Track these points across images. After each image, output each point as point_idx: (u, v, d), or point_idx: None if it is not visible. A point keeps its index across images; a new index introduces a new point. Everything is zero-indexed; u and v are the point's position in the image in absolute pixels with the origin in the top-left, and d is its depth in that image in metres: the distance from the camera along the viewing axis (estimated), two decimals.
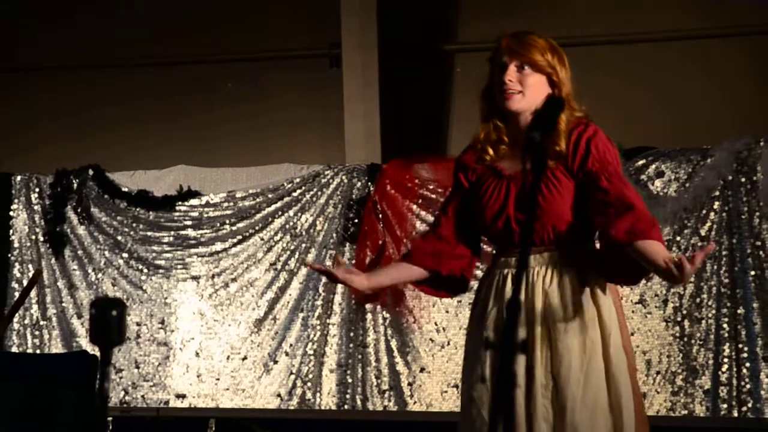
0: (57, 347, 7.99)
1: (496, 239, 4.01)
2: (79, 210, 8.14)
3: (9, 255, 8.19)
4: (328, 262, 7.71)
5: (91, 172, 8.16)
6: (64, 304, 8.10)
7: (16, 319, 7.98)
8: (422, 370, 7.49)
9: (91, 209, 8.14)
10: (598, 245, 3.95)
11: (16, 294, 7.98)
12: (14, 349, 7.98)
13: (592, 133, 3.85)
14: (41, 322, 8.10)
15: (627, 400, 3.81)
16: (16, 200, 8.23)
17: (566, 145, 3.81)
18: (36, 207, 8.22)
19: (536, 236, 3.84)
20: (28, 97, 9.24)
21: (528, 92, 3.87)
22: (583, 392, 3.77)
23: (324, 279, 7.69)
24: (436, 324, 7.51)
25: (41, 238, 8.17)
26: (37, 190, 8.21)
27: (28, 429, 5.51)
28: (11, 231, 8.21)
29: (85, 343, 7.84)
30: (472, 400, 3.85)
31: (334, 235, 7.76)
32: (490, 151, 4.02)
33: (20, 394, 5.66)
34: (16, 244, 8.20)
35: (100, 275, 8.08)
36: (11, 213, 8.22)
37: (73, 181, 8.16)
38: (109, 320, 2.92)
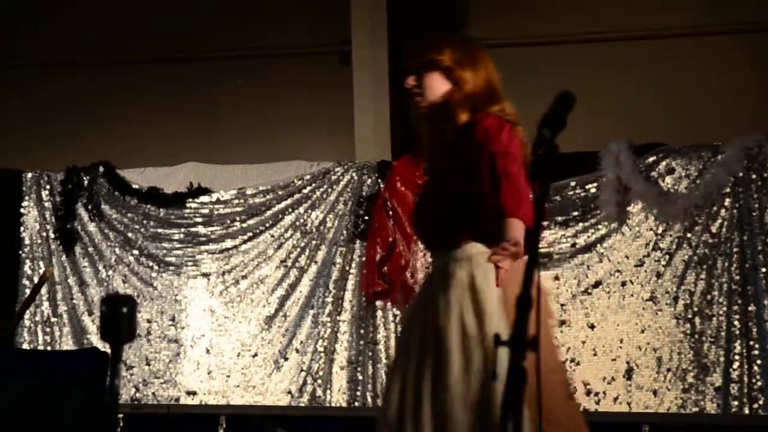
0: (68, 344, 8.01)
1: None
2: (89, 207, 8.15)
3: (20, 252, 8.20)
4: (339, 260, 7.71)
5: (101, 169, 8.17)
6: (74, 301, 8.11)
7: (27, 316, 7.99)
8: None
9: (102, 206, 8.15)
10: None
11: (27, 291, 7.99)
12: (25, 346, 8.00)
13: (483, 123, 3.89)
14: (52, 319, 8.12)
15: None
16: (26, 197, 8.24)
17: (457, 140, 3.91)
18: (47, 204, 8.22)
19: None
20: (38, 94, 9.25)
21: (426, 92, 3.96)
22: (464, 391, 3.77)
23: (334, 276, 7.69)
24: None
25: (52, 236, 8.18)
26: (47, 187, 8.22)
27: (39, 426, 5.52)
28: (22, 228, 8.22)
29: (95, 339, 7.86)
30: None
31: (345, 232, 7.76)
32: (425, 153, 4.14)
33: (31, 390, 5.67)
34: (26, 241, 8.21)
35: (110, 272, 8.09)
36: (22, 210, 8.24)
37: (84, 178, 8.17)
38: (119, 317, 2.93)
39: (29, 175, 8.26)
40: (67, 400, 5.57)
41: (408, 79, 4.02)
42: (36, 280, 8.00)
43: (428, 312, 3.91)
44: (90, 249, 8.14)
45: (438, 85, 3.98)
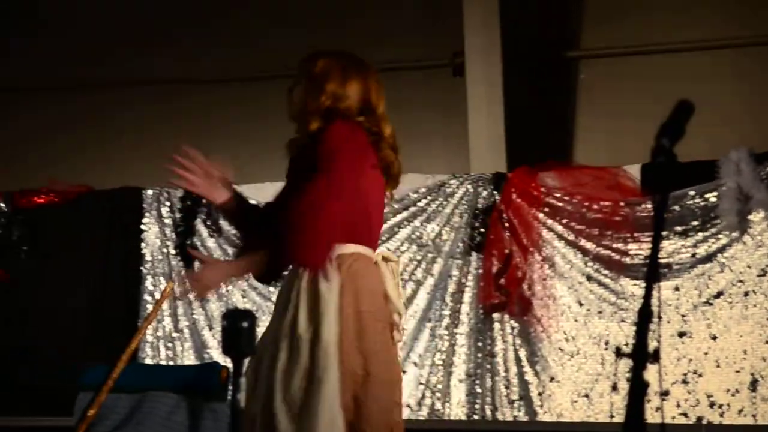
0: (189, 359, 8.09)
1: None
2: (208, 223, 8.24)
3: (141, 268, 8.31)
4: (455, 272, 7.70)
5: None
6: (195, 316, 8.19)
7: (149, 332, 8.10)
8: (552, 379, 7.43)
9: (220, 222, 8.23)
10: None
11: (149, 306, 8.10)
12: (148, 361, 8.10)
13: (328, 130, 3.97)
14: (173, 334, 8.21)
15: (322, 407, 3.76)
16: (147, 214, 8.36)
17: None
18: (167, 220, 8.33)
19: None
20: (156, 111, 9.39)
21: (292, 107, 4.14)
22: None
23: (450, 289, 7.68)
24: (564, 333, 7.44)
25: (172, 251, 8.28)
26: (167, 203, 8.33)
27: None
28: (143, 244, 8.33)
29: (216, 354, 7.93)
30: None
31: (460, 244, 7.74)
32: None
33: (154, 404, 5.75)
34: (148, 258, 8.33)
35: (230, 287, 8.16)
36: (143, 227, 8.35)
37: None
38: (240, 331, 2.95)
39: (149, 191, 8.38)
40: (191, 414, 5.63)
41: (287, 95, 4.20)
42: (157, 295, 8.10)
43: (274, 315, 4.00)
44: None
45: (303, 95, 4.12)
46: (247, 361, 2.93)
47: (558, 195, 7.54)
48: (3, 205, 8.38)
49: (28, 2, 9.60)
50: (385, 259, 4.06)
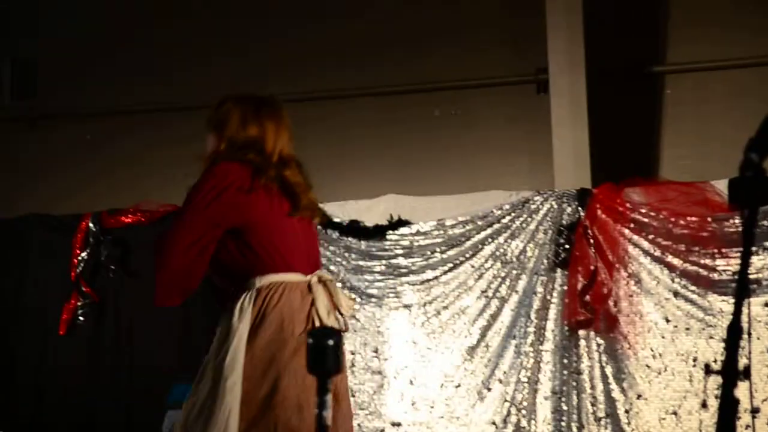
0: None
1: None
2: None
3: None
4: (540, 289, 7.67)
5: None
6: None
7: None
8: (639, 396, 7.36)
9: None
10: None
11: None
12: None
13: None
14: None
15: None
16: None
17: None
18: None
19: None
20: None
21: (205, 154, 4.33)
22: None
23: (535, 306, 7.65)
24: (652, 350, 7.37)
25: None
26: None
27: None
28: None
29: None
30: None
31: (545, 261, 7.71)
32: None
33: None
34: None
35: None
36: None
37: None
38: (326, 349, 2.96)
39: None
40: None
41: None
42: None
43: None
44: None
45: (209, 142, 4.38)
46: (332, 380, 2.96)
47: (644, 211, 7.48)
48: (92, 225, 8.49)
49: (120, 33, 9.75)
50: (321, 280, 4.24)
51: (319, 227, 8.21)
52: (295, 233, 4.29)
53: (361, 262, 8.14)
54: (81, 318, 8.49)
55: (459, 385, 7.77)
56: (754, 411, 6.90)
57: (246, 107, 4.42)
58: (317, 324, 4.12)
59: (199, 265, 4.10)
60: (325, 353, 2.99)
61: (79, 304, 8.49)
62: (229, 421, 3.93)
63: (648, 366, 7.37)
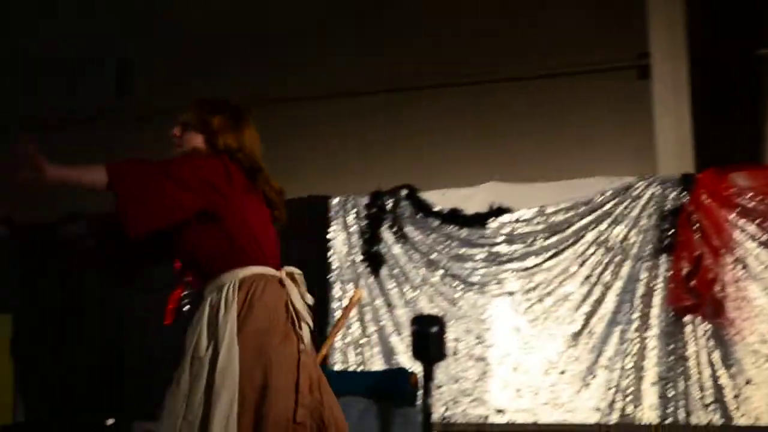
0: (378, 364, 8.15)
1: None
2: (394, 230, 8.30)
3: (329, 276, 8.41)
4: (644, 275, 7.60)
5: (404, 192, 8.31)
6: (382, 322, 8.25)
7: (338, 338, 8.18)
8: (748, 382, 7.25)
9: (406, 228, 8.28)
10: None
11: (337, 313, 8.19)
12: (338, 367, 8.19)
13: None
14: (362, 340, 8.29)
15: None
16: (333, 222, 8.46)
17: None
18: (353, 228, 8.42)
19: None
20: (344, 122, 9.49)
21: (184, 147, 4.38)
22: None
23: (639, 292, 7.58)
24: (760, 335, 7.27)
25: (359, 258, 8.36)
26: (353, 211, 8.42)
27: None
28: (330, 252, 8.43)
29: (404, 359, 7.97)
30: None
31: (649, 247, 7.63)
32: None
33: (345, 409, 5.82)
34: (335, 265, 8.42)
35: (416, 293, 8.20)
36: (329, 235, 8.46)
37: (388, 201, 8.33)
38: (429, 337, 2.97)
39: (336, 200, 8.48)
40: (381, 419, 5.68)
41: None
42: (345, 302, 8.18)
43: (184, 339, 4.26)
44: (396, 270, 8.28)
45: (192, 141, 4.41)
46: (436, 366, 2.98)
47: (750, 195, 7.37)
48: None
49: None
50: (290, 275, 4.35)
51: (419, 215, 8.24)
52: (270, 230, 4.45)
53: (462, 250, 8.13)
54: (186, 307, 8.59)
55: (563, 372, 7.73)
56: None
57: (227, 115, 4.54)
58: (295, 316, 4.22)
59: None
60: (428, 340, 2.99)
61: (184, 293, 8.58)
62: (231, 412, 4.01)
63: (756, 351, 7.26)
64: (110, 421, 8.17)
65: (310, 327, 4.27)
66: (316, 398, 4.14)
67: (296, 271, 4.43)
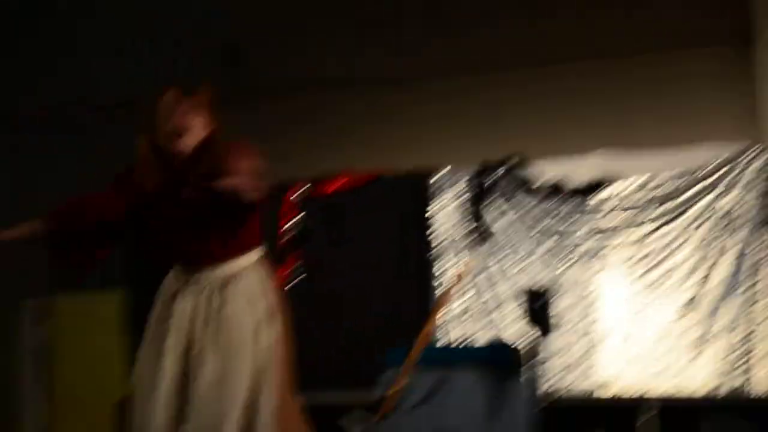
0: (484, 338, 8.15)
1: None
2: (499, 202, 8.28)
3: (433, 249, 8.42)
4: (755, 243, 7.52)
5: (511, 162, 8.28)
6: (488, 296, 8.24)
7: (443, 313, 8.19)
8: None
9: (511, 200, 8.25)
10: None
11: (442, 288, 8.19)
12: (443, 342, 8.21)
13: None
14: (468, 314, 8.29)
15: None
16: (438, 195, 8.47)
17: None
18: (458, 201, 8.42)
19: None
20: (442, 98, 9.48)
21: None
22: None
23: (750, 262, 7.50)
24: None
25: (464, 232, 8.36)
26: (458, 184, 8.42)
27: (470, 416, 5.68)
28: (435, 226, 8.44)
29: (511, 333, 7.96)
30: None
31: (758, 216, 7.54)
32: None
33: (454, 382, 5.85)
34: (440, 239, 8.43)
35: (523, 265, 8.18)
36: (434, 208, 8.46)
37: (493, 173, 8.31)
38: (536, 309, 2.99)
39: (440, 173, 8.48)
40: (490, 392, 5.70)
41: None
42: (451, 277, 8.18)
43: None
44: (501, 243, 8.26)
45: (202, 123, 4.47)
46: (544, 339, 3.01)
47: None
48: (300, 193, 8.65)
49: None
50: None
51: (525, 187, 8.21)
52: None
53: (569, 221, 8.09)
54: (292, 284, 8.67)
55: (673, 343, 7.67)
56: None
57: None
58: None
59: None
60: (536, 313, 3.01)
61: (290, 270, 8.67)
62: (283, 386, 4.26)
63: None
64: None
65: None
66: None
67: None
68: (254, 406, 4.17)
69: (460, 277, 7.25)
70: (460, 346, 8.02)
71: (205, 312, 4.30)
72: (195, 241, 4.36)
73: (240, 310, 4.30)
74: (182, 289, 4.33)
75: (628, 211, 7.89)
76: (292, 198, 8.67)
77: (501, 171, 8.27)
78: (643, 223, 7.85)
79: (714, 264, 7.60)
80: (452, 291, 7.38)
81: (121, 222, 4.44)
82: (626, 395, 7.71)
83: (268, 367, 4.25)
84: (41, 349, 10.25)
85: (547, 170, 8.21)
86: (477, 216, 8.30)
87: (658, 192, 7.83)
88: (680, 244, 7.73)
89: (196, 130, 4.49)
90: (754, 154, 7.62)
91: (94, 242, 4.48)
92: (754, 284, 7.47)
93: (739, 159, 7.65)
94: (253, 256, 4.40)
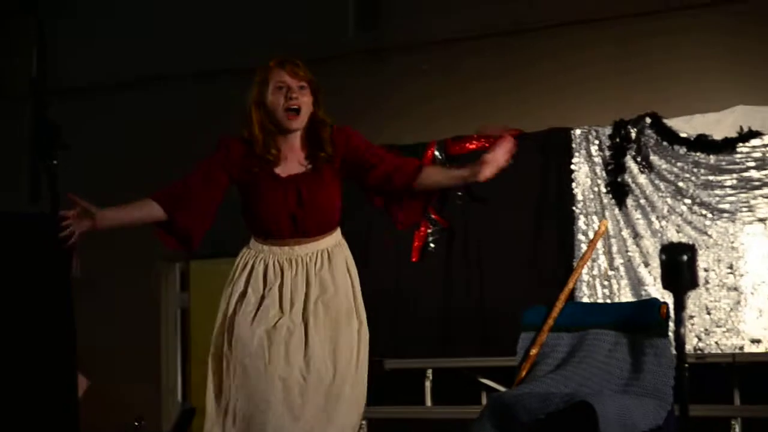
0: (626, 296, 8.05)
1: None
2: (638, 159, 8.15)
3: (573, 208, 8.34)
4: None
5: (648, 120, 8.14)
6: (630, 254, 8.13)
7: (585, 271, 8.11)
8: None
9: (651, 157, 8.12)
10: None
11: (583, 246, 8.12)
12: (585, 300, 8.13)
13: (342, 131, 4.63)
14: (609, 272, 8.19)
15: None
16: (576, 154, 8.36)
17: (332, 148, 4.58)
18: (596, 159, 8.31)
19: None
20: (578, 52, 9.33)
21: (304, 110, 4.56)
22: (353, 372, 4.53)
23: None
24: None
25: (603, 190, 8.25)
26: (596, 142, 8.30)
27: (611, 378, 5.60)
28: (574, 184, 8.35)
29: (653, 290, 7.85)
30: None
31: None
32: (270, 157, 4.57)
33: (594, 342, 5.76)
34: (579, 197, 8.34)
35: (663, 223, 8.05)
36: (572, 167, 8.37)
37: (631, 130, 8.17)
38: (680, 265, 2.89)
39: (578, 131, 8.38)
40: (638, 350, 5.60)
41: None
42: (591, 235, 8.11)
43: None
44: (642, 201, 8.13)
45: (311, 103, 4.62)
46: (688, 296, 2.91)
47: None
48: (437, 152, 8.62)
49: None
50: None
51: (664, 143, 8.07)
52: None
53: (711, 177, 7.92)
54: (432, 245, 8.66)
55: None
56: None
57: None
58: None
59: None
60: (679, 269, 2.91)
61: (429, 231, 8.66)
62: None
63: None
64: None
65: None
66: None
67: None
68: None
69: (601, 234, 7.13)
70: (604, 303, 7.93)
71: (305, 286, 4.48)
72: (292, 217, 4.43)
73: (341, 284, 4.54)
74: (270, 263, 4.53)
75: None
76: (430, 156, 8.63)
77: (640, 127, 8.12)
78: None
79: None
80: (594, 247, 7.29)
81: (221, 199, 4.56)
82: None
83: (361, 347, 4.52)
84: (181, 311, 10.45)
85: (686, 126, 8.03)
86: (618, 172, 8.18)
87: None
88: None
89: (306, 108, 4.57)
90: None
91: (199, 226, 4.55)
92: None
93: None
94: (338, 234, 4.62)
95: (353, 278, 4.63)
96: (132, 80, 10.54)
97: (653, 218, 8.08)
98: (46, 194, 4.17)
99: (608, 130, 8.24)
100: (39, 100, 3.39)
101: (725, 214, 7.84)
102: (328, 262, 4.53)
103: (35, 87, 3.38)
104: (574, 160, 8.36)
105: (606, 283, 8.19)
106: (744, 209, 7.78)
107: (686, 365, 3.23)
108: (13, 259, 5.33)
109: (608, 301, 8.09)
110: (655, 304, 5.87)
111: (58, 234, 4.02)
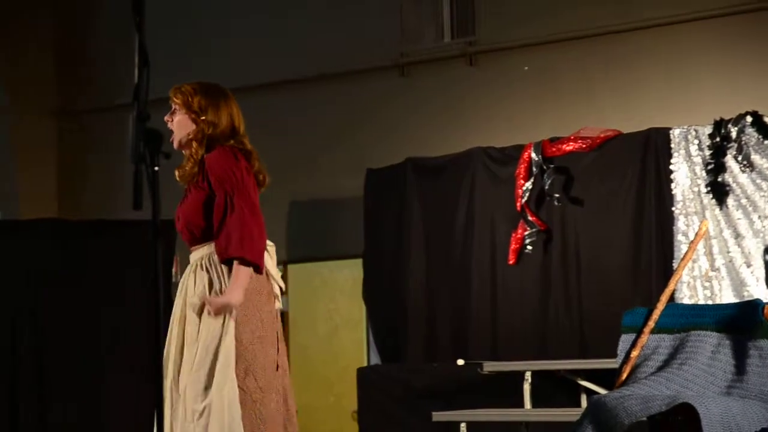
0: (728, 297, 7.95)
1: None
2: (739, 158, 8.04)
3: (672, 208, 8.26)
4: None
5: (749, 118, 8.03)
6: (731, 254, 8.04)
7: (685, 272, 8.03)
8: None
9: (752, 156, 8.01)
10: None
11: (683, 247, 8.04)
12: (686, 301, 8.04)
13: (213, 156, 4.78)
14: (710, 273, 8.10)
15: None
16: (675, 153, 8.28)
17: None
18: (696, 159, 8.22)
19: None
20: (673, 52, 9.26)
21: (176, 131, 4.87)
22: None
23: None
24: None
25: (703, 190, 8.16)
26: (696, 141, 8.22)
27: (713, 381, 5.54)
28: (673, 185, 8.27)
29: (756, 291, 7.74)
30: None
31: None
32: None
33: (697, 344, 5.71)
34: (678, 198, 8.26)
35: (766, 222, 7.94)
36: (672, 167, 8.29)
37: (731, 129, 8.07)
38: None
39: (677, 131, 8.30)
40: (741, 351, 5.54)
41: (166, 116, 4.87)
42: (691, 235, 8.02)
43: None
44: (743, 200, 8.03)
45: (185, 124, 4.85)
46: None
47: None
48: (534, 154, 8.59)
49: None
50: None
51: (766, 142, 7.95)
52: None
53: None
54: (529, 247, 8.63)
55: None
56: None
57: (214, 95, 4.91)
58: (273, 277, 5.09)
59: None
60: None
61: (526, 233, 8.63)
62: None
63: None
64: (460, 362, 8.33)
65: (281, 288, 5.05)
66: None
67: (269, 243, 4.95)
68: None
69: (702, 234, 7.05)
70: (706, 305, 7.84)
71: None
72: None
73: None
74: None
75: None
76: (527, 158, 8.61)
77: (740, 126, 8.02)
78: None
79: None
80: (695, 248, 7.21)
81: None
82: None
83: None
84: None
85: None
86: (718, 171, 8.08)
87: None
88: None
89: (182, 128, 4.98)
90: None
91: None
92: None
93: None
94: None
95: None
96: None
97: (755, 218, 7.97)
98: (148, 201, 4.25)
99: (708, 130, 8.15)
100: (141, 109, 3.45)
101: None
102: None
103: (137, 96, 3.44)
104: (673, 161, 8.28)
105: (707, 284, 8.10)
106: None
107: None
108: (119, 264, 5.52)
109: (709, 302, 7.99)
110: (758, 304, 5.79)
111: (158, 240, 4.14)
